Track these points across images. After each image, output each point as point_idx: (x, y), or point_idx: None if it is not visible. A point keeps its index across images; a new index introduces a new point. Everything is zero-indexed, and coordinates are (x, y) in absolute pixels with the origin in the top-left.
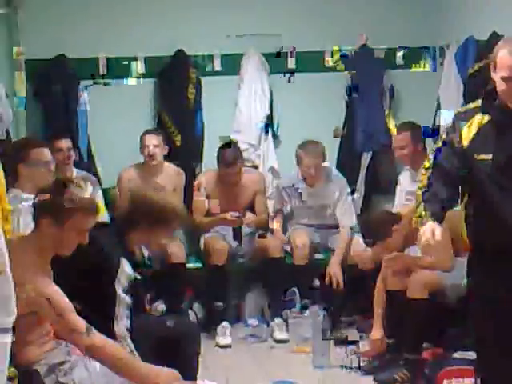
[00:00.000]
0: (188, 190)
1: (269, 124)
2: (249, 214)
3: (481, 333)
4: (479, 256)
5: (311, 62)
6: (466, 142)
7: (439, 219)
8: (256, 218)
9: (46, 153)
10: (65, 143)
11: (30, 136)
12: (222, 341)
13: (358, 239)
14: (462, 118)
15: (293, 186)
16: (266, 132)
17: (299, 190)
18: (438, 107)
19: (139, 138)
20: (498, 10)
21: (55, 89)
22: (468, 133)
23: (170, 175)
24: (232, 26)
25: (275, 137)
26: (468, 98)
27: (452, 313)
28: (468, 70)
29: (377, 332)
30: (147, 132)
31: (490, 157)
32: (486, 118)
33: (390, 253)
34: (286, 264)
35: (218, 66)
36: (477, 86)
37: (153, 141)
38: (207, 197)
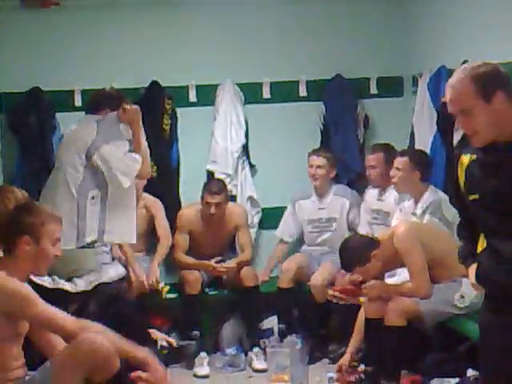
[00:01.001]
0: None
1: (245, 154)
2: (228, 263)
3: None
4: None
5: (286, 91)
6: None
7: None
8: (237, 261)
9: None
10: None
11: None
12: (199, 371)
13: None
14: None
15: (305, 198)
16: (243, 162)
17: (311, 201)
18: (412, 136)
19: None
20: (469, 39)
21: (31, 121)
22: (461, 172)
23: (149, 204)
24: (206, 56)
25: (252, 166)
26: (441, 126)
27: (429, 339)
28: (441, 98)
29: (345, 357)
30: None
31: (477, 196)
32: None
33: (369, 279)
34: (262, 292)
35: (193, 97)
36: (449, 114)
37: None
38: (189, 232)
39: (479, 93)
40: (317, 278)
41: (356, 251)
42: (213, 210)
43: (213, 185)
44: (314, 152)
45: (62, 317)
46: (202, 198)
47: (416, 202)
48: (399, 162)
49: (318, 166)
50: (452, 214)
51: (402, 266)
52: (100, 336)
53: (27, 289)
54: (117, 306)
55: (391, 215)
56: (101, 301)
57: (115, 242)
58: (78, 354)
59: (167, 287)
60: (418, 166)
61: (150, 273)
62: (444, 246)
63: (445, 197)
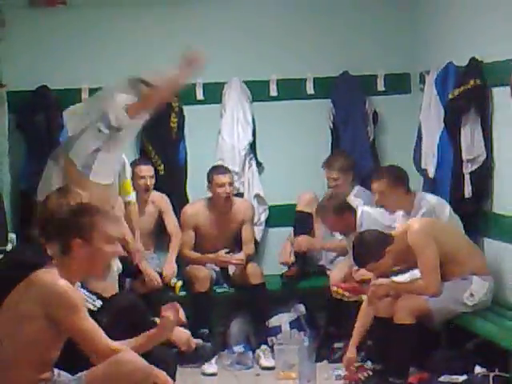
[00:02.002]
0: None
1: (252, 151)
2: (239, 255)
3: None
4: None
5: (293, 89)
6: None
7: None
8: (244, 255)
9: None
10: (147, 171)
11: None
12: (207, 369)
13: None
14: None
15: None
16: (250, 159)
17: None
18: (419, 132)
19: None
20: (477, 36)
21: (38, 120)
22: None
23: (155, 199)
24: (213, 54)
25: (259, 164)
26: (448, 122)
27: (438, 336)
28: (448, 95)
29: (350, 351)
30: (142, 163)
31: None
32: None
33: (381, 274)
34: (269, 290)
35: (200, 95)
36: (457, 111)
37: (149, 172)
38: (194, 228)
39: None
40: (337, 275)
41: (370, 246)
42: (228, 188)
43: (220, 167)
44: (327, 165)
45: (100, 336)
46: (211, 182)
47: (409, 213)
48: (379, 185)
49: (334, 179)
50: (445, 217)
51: (413, 265)
52: (139, 358)
53: (76, 296)
54: (131, 317)
55: None
56: (113, 313)
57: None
58: (119, 373)
59: (180, 283)
60: (399, 181)
61: (165, 270)
62: (456, 243)
63: (436, 201)
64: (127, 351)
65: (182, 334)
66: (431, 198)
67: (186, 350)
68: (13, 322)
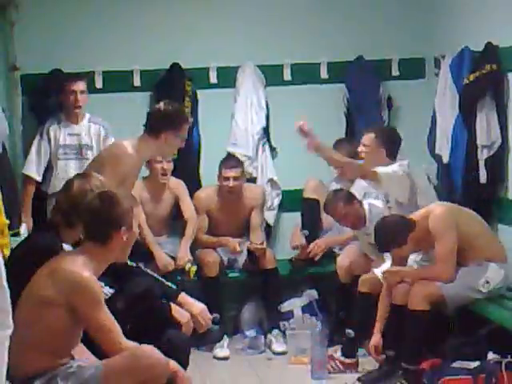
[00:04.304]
0: None
1: (266, 136)
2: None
3: None
4: None
5: (307, 73)
6: None
7: None
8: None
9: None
10: (80, 85)
11: None
12: (219, 353)
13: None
14: None
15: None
16: (263, 144)
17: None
18: (434, 118)
19: None
20: (493, 20)
21: (51, 103)
22: None
23: (172, 185)
24: (227, 38)
25: (272, 149)
26: (463, 108)
27: (451, 322)
28: (463, 80)
29: (375, 339)
30: None
31: None
32: None
33: (402, 260)
34: (282, 274)
35: (213, 79)
36: (472, 96)
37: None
38: (207, 212)
39: None
40: (344, 260)
41: (395, 232)
42: (231, 183)
43: (229, 160)
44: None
45: (117, 334)
46: (220, 174)
47: None
48: (366, 138)
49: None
50: (405, 197)
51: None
52: (157, 351)
53: (99, 290)
54: (146, 303)
55: None
56: (128, 299)
57: None
58: (137, 366)
59: (195, 267)
60: (384, 143)
61: (180, 253)
62: (476, 230)
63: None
64: (144, 345)
65: (182, 316)
66: None
67: (185, 331)
68: (33, 307)
